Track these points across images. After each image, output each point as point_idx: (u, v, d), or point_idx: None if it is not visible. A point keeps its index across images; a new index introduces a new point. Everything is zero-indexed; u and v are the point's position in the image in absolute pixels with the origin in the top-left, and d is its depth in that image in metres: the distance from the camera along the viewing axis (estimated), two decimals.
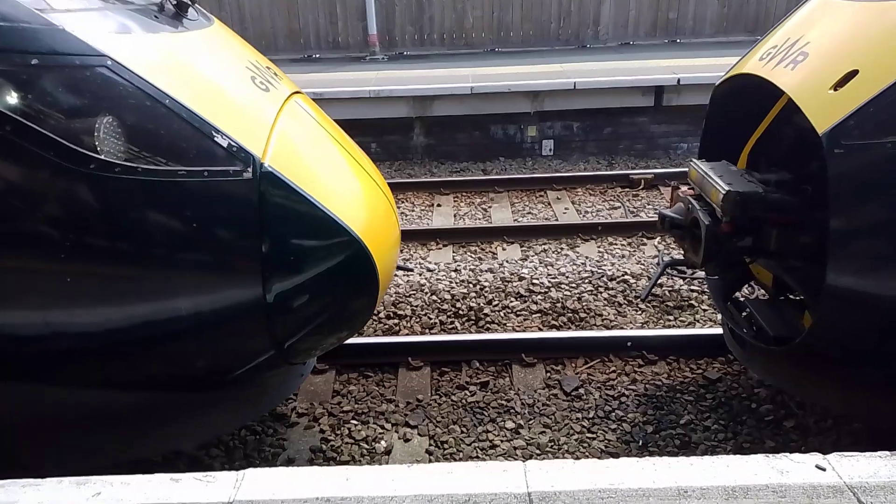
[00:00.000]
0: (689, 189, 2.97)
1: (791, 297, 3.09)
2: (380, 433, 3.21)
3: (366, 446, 3.12)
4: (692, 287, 4.46)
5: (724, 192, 2.56)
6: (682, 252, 3.01)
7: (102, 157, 1.85)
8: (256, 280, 2.07)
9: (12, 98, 1.77)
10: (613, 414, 3.28)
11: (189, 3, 2.60)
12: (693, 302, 4.31)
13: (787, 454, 1.78)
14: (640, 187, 6.64)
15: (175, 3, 2.52)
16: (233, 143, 2.05)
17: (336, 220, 2.19)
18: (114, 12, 2.16)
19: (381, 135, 8.12)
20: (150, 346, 2.02)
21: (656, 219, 5.66)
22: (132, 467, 2.19)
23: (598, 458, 3.00)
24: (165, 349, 2.04)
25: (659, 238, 5.41)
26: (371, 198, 2.50)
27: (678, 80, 7.79)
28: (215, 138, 2.02)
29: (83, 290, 1.92)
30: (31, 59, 1.81)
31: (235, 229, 2.04)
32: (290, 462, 3.03)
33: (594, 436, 3.16)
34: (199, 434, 2.51)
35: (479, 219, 6.14)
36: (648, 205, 6.26)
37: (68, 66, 1.86)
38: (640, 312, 4.23)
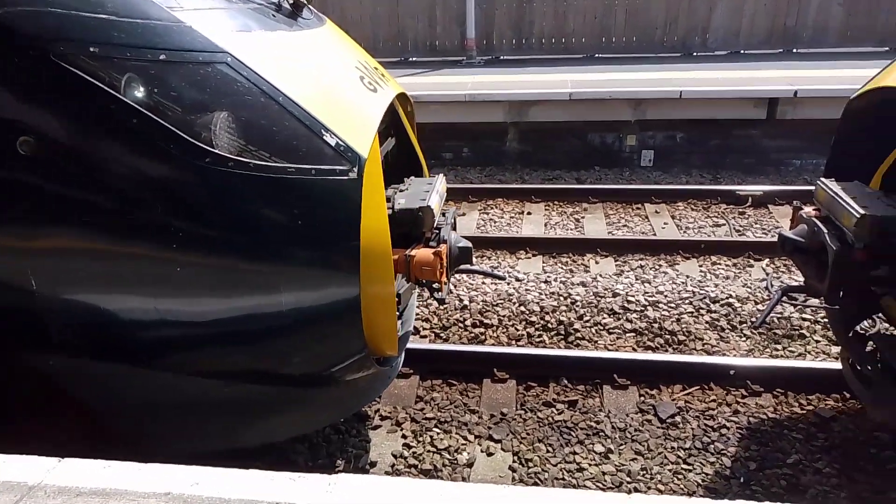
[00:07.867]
0: (813, 210, 2.73)
1: None
2: (462, 444, 3.14)
3: (448, 456, 3.06)
4: (804, 315, 4.12)
5: (859, 215, 2.33)
6: (804, 278, 2.77)
7: (217, 151, 1.89)
8: (355, 279, 2.06)
9: (140, 91, 1.84)
10: (712, 446, 3.07)
11: (304, 2, 2.64)
12: (804, 331, 3.98)
13: None
14: (748, 204, 6.24)
15: (291, 2, 2.57)
16: (340, 143, 2.05)
17: None
18: (235, 11, 2.22)
19: (474, 140, 8.09)
20: (251, 339, 2.05)
21: (765, 239, 5.32)
22: (228, 456, 2.24)
23: (695, 492, 2.82)
24: (266, 343, 2.07)
25: (767, 260, 5.05)
26: None
27: (795, 92, 7.29)
28: (324, 137, 2.03)
29: (191, 280, 1.96)
30: (160, 54, 1.87)
31: (339, 227, 2.04)
32: (372, 465, 3.02)
33: (690, 467, 2.96)
34: (293, 429, 2.55)
35: (571, 229, 5.97)
36: (756, 224, 5.87)
37: (193, 62, 1.92)
38: (744, 339, 3.95)
